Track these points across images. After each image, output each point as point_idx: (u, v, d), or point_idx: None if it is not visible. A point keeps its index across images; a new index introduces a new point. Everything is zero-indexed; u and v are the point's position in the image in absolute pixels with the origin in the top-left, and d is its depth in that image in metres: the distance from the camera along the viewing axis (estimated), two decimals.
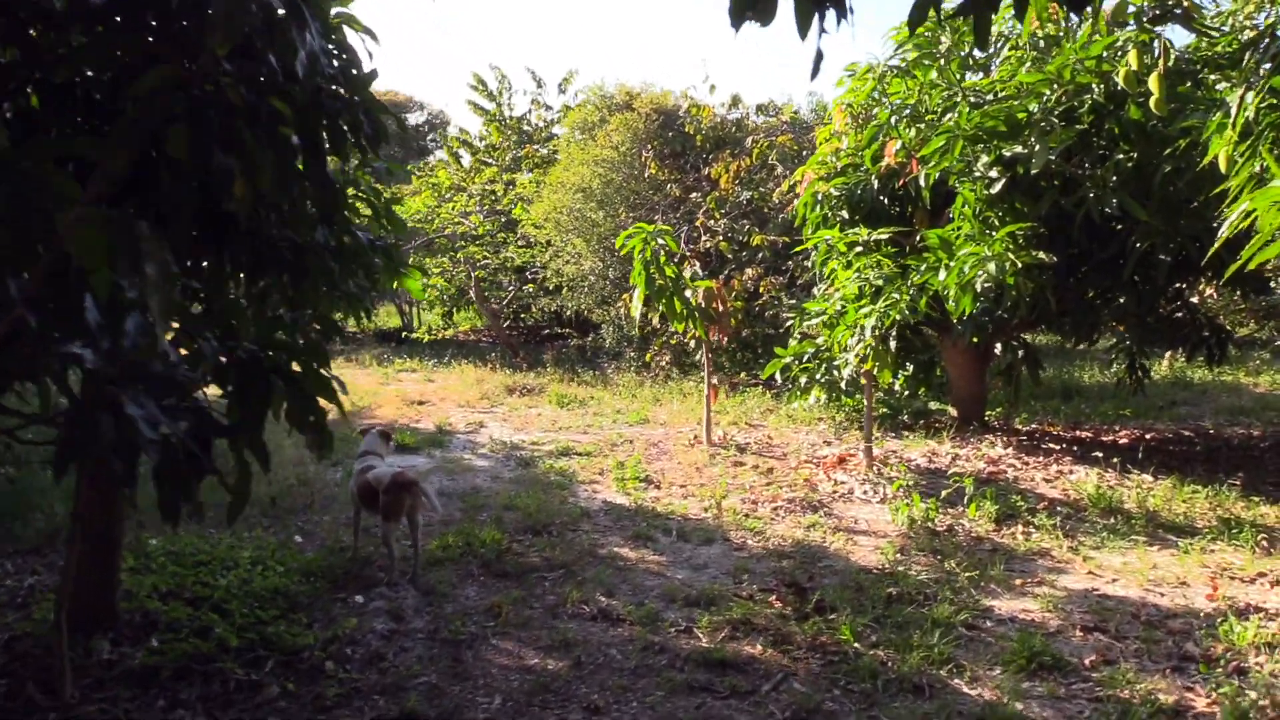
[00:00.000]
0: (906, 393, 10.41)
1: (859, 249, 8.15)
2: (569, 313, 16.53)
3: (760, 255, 12.62)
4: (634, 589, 5.57)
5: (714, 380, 9.70)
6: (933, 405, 10.77)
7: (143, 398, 2.45)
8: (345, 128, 3.76)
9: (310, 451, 2.97)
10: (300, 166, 3.83)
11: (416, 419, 11.10)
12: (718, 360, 14.44)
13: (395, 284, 5.79)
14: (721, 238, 12.98)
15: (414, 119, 46.22)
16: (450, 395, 12.83)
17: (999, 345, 9.72)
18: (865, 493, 7.61)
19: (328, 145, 3.59)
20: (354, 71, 3.90)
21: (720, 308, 9.34)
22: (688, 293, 9.16)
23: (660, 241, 8.69)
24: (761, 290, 12.29)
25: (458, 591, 5.50)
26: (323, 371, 2.96)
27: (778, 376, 9.77)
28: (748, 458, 8.96)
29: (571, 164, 15.31)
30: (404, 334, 18.89)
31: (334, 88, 3.78)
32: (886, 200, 8.84)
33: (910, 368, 9.99)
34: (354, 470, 6.04)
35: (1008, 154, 7.08)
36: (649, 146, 14.48)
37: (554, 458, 9.03)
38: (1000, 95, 7.26)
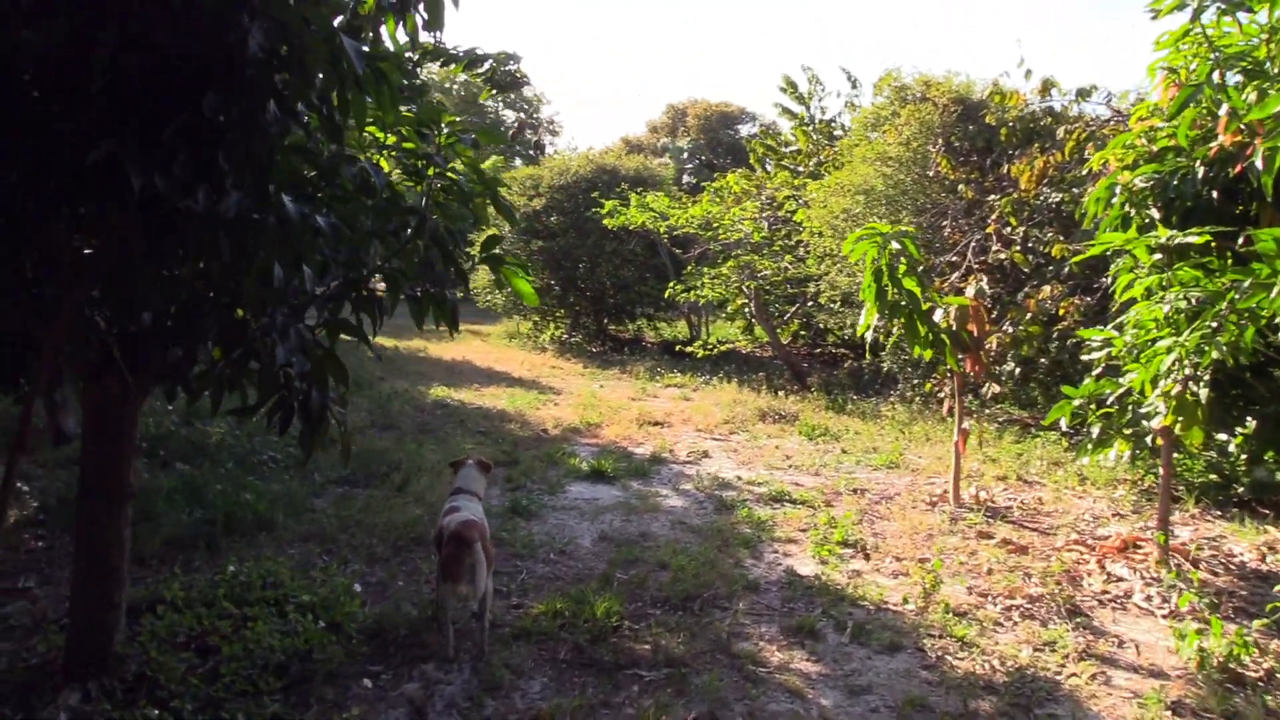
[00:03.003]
0: (1244, 456, 7.69)
1: (1159, 256, 5.93)
2: (848, 330, 14.77)
3: (1066, 270, 10.22)
4: (749, 715, 4.04)
5: (965, 425, 7.69)
6: None
7: None
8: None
9: None
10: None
11: (640, 442, 9.99)
12: (1027, 394, 12.07)
13: (503, 287, 4.82)
14: (1018, 248, 10.71)
15: (745, 130, 46.52)
16: (695, 417, 11.61)
17: None
18: (1147, 599, 5.44)
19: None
20: None
21: (976, 332, 7.37)
22: (938, 313, 7.29)
23: (898, 245, 6.91)
24: (1061, 312, 9.92)
25: (522, 683, 4.27)
26: None
27: (1063, 422, 7.59)
28: (1000, 527, 6.93)
29: (855, 163, 13.56)
30: (677, 347, 17.98)
31: None
32: (1217, 194, 6.46)
33: (1250, 423, 7.34)
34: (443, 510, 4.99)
35: None
36: (939, 141, 12.41)
37: (761, 504, 7.54)
38: None
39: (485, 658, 4.44)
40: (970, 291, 8.25)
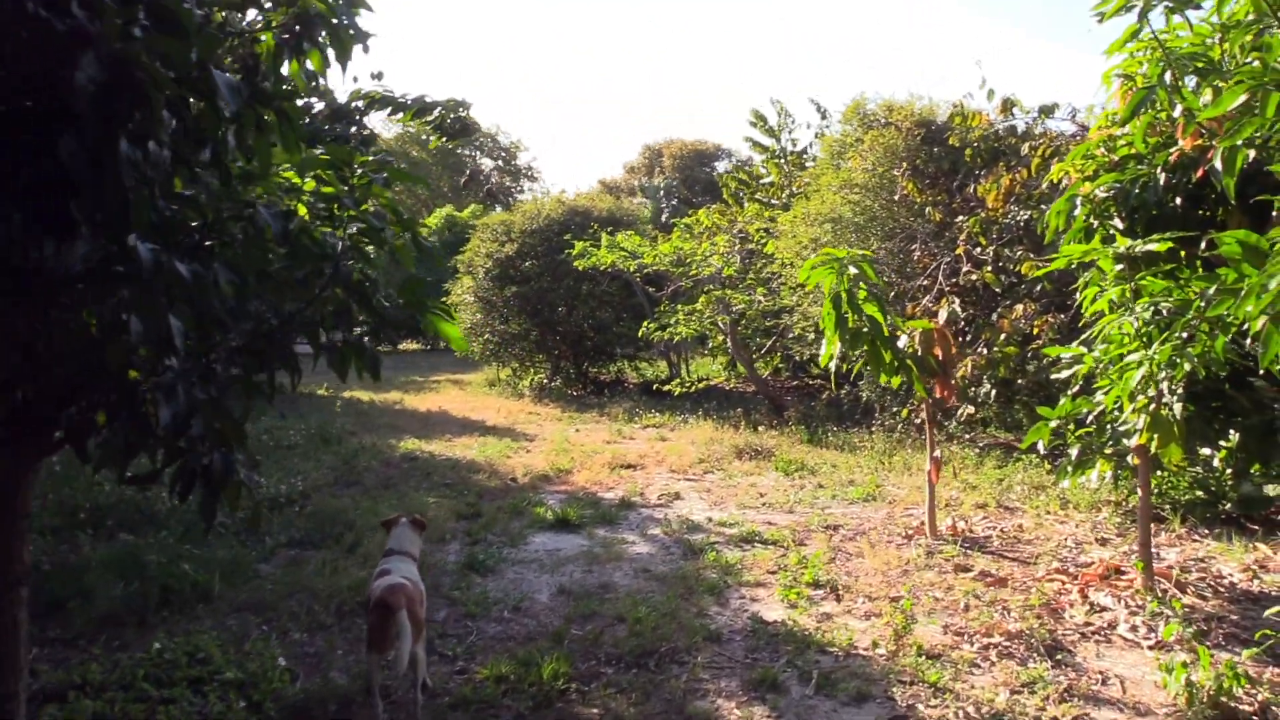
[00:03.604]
0: (1229, 471, 7.39)
1: (1121, 267, 5.69)
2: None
3: (1039, 288, 10.01)
4: None
5: (937, 453, 7.40)
6: (1271, 491, 7.60)
7: None
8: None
9: None
10: None
11: (610, 487, 9.67)
12: (1012, 416, 11.78)
13: (430, 329, 4.57)
14: (989, 268, 10.49)
15: (721, 166, 46.89)
16: (669, 458, 11.28)
17: None
18: (1132, 629, 5.12)
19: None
20: None
21: (942, 356, 7.11)
22: (902, 339, 7.03)
23: (855, 270, 6.65)
24: (1036, 331, 9.68)
25: None
26: None
27: (1040, 445, 7.30)
28: (978, 559, 6.62)
29: (823, 192, 13.39)
30: (655, 386, 17.64)
31: None
32: (1181, 201, 6.24)
33: (1234, 436, 7.07)
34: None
35: None
36: (904, 165, 12.24)
37: (730, 546, 7.21)
38: None
39: None
40: (943, 314, 8.01)
